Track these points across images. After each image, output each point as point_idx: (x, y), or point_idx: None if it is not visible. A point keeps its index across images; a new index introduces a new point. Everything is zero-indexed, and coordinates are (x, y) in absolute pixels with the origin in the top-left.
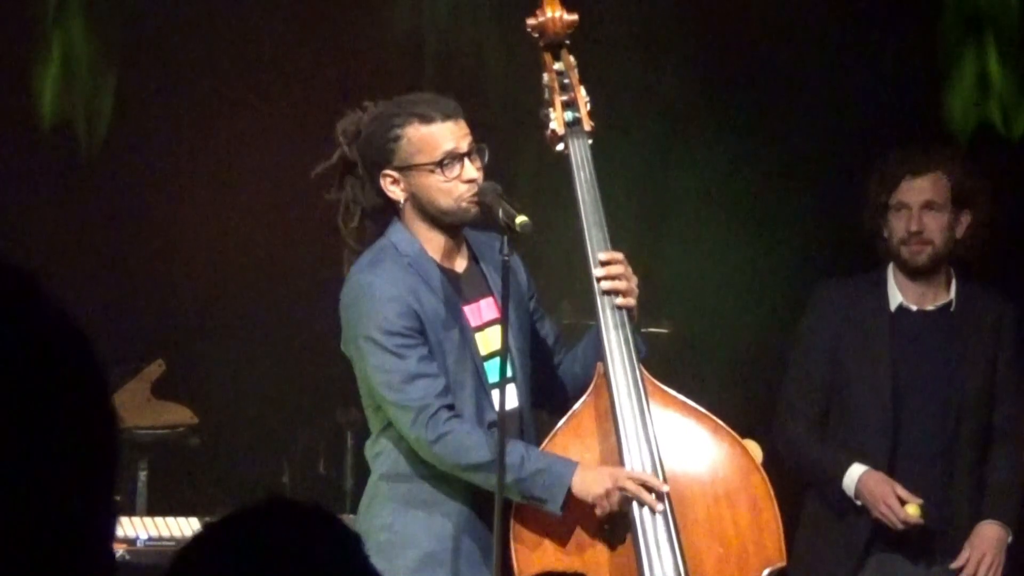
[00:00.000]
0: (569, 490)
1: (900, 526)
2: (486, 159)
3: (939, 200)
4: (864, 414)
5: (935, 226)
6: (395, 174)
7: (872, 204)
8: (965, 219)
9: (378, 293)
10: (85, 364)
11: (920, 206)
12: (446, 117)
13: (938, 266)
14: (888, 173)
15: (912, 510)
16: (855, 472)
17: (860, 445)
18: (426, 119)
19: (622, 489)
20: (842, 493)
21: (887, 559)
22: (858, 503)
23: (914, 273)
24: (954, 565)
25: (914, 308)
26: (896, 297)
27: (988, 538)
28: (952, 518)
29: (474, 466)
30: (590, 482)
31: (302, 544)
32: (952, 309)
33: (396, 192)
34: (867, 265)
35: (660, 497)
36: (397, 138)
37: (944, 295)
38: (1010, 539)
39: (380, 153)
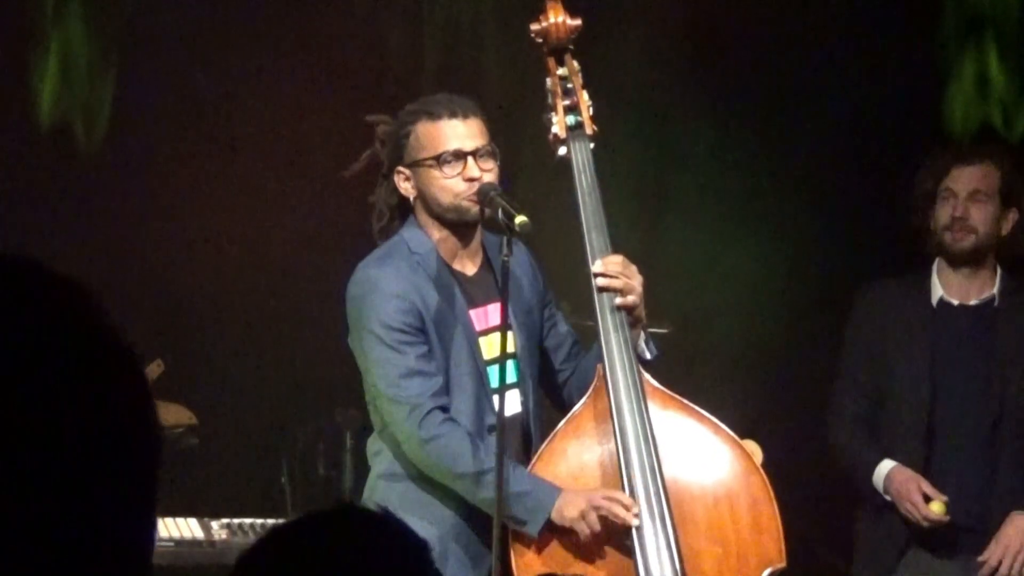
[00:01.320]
0: (548, 518)
1: (924, 523)
2: (497, 161)
3: (986, 190)
4: (901, 409)
5: (980, 215)
6: (406, 171)
7: (920, 194)
8: (1012, 216)
9: (383, 288)
10: (132, 379)
11: (967, 194)
12: (452, 115)
13: (981, 258)
14: (938, 162)
15: (936, 507)
16: (884, 468)
17: (897, 440)
18: (433, 116)
19: (596, 508)
20: (877, 491)
21: (924, 556)
22: (888, 499)
23: (957, 262)
24: (982, 558)
25: (955, 302)
26: (938, 291)
27: (1016, 528)
28: (991, 515)
29: (458, 474)
30: (564, 508)
31: (369, 550)
32: (995, 304)
33: (408, 189)
34: (866, 263)
35: (636, 515)
36: (408, 135)
37: (988, 290)
38: None
39: (395, 151)
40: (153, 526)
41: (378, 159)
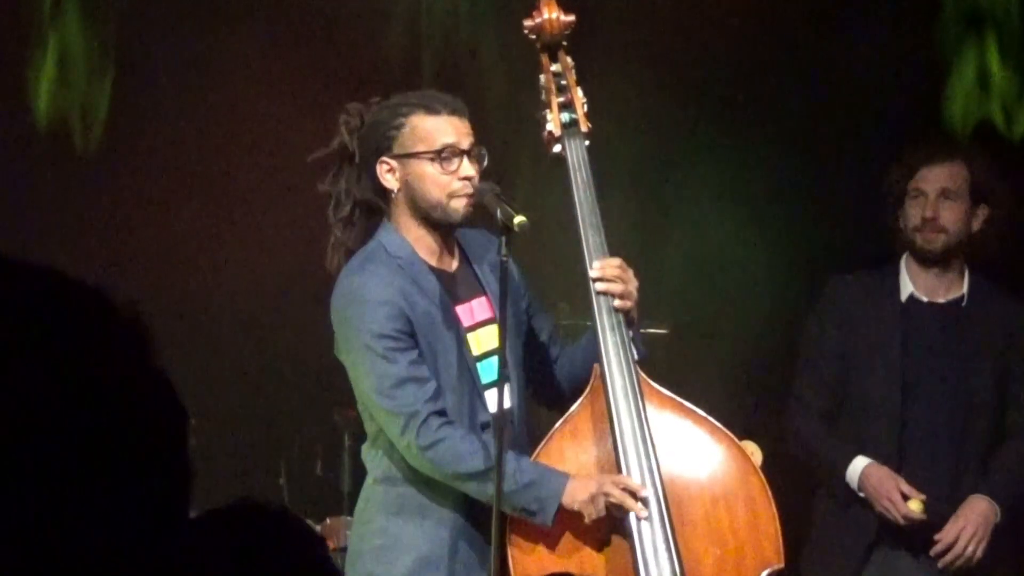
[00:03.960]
0: (560, 505)
1: (902, 522)
2: (484, 163)
3: (956, 189)
4: (873, 405)
5: (950, 215)
6: (392, 162)
7: (890, 191)
8: (982, 213)
9: (368, 296)
10: (171, 414)
11: (936, 193)
12: (451, 112)
13: (951, 257)
14: (907, 161)
15: (915, 506)
16: (858, 464)
17: (869, 436)
18: (432, 110)
19: (606, 495)
20: (847, 486)
21: (893, 554)
22: (861, 495)
23: (927, 261)
24: (939, 535)
25: (925, 299)
26: (907, 288)
27: (974, 510)
28: None
29: (467, 475)
30: (576, 491)
31: (267, 546)
32: (963, 304)
33: (391, 181)
34: (867, 262)
35: (645, 502)
36: (400, 126)
37: (956, 289)
38: (998, 518)
39: (381, 140)
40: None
41: (345, 148)
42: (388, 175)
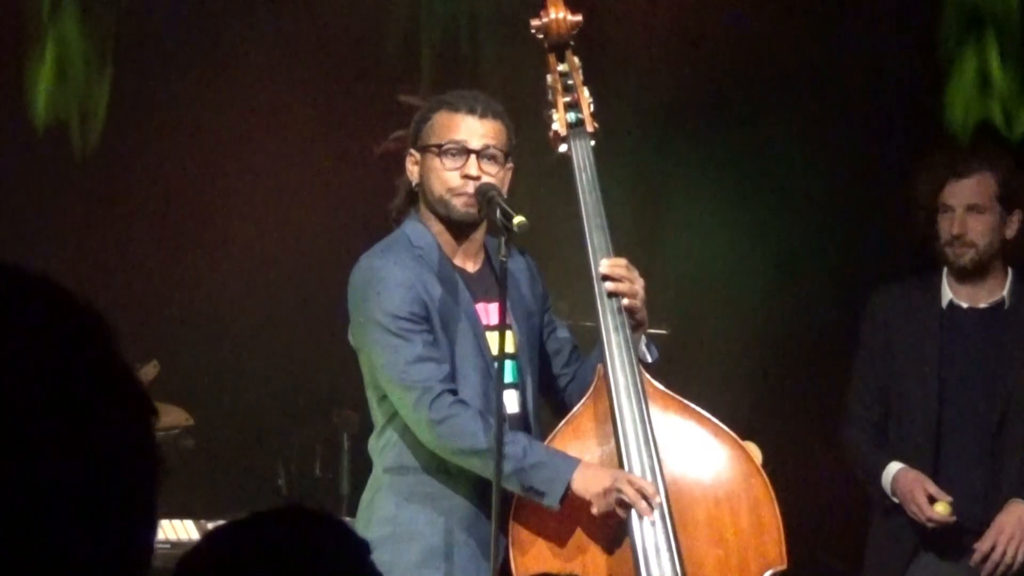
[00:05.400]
0: (568, 487)
1: (929, 524)
2: (500, 167)
3: (983, 202)
4: (911, 411)
5: (978, 228)
6: (416, 155)
7: (921, 207)
8: (1017, 218)
9: (387, 277)
10: (137, 409)
11: (964, 208)
12: (470, 111)
13: (986, 266)
14: (933, 176)
15: (941, 507)
16: (891, 470)
17: (908, 443)
18: (452, 107)
19: (619, 491)
20: (885, 493)
21: (933, 559)
22: (896, 501)
23: (961, 274)
24: (977, 544)
25: (965, 305)
26: (947, 295)
27: (1012, 515)
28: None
29: (474, 451)
30: (590, 479)
31: (311, 550)
32: (1005, 307)
33: (414, 173)
34: (867, 263)
35: (655, 507)
36: (426, 120)
37: (998, 293)
38: None
39: (413, 134)
40: (151, 537)
41: (403, 143)
42: (413, 167)
